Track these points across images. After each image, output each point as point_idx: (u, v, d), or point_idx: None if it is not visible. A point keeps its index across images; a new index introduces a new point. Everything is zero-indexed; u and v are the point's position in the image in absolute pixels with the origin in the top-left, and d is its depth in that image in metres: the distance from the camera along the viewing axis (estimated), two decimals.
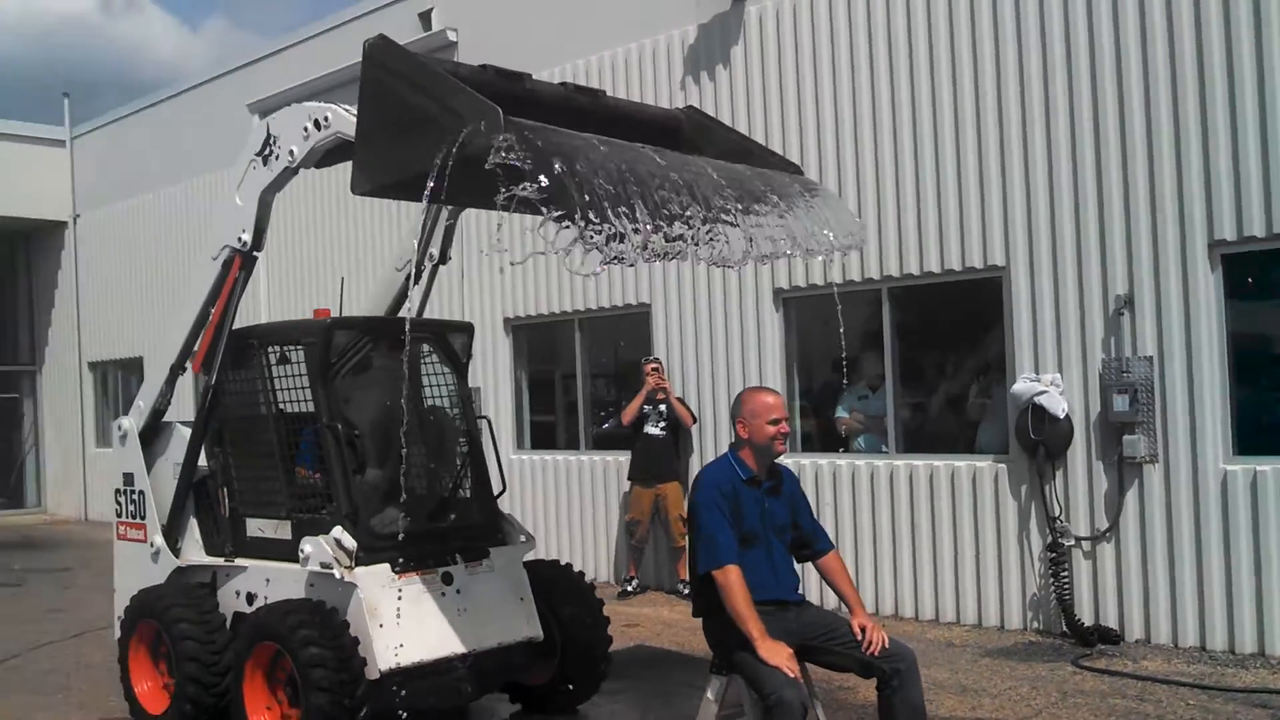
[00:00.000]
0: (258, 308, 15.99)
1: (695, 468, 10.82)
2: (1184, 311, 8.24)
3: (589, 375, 12.43)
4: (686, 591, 10.36)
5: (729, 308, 10.91)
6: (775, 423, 5.18)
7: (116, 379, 20.36)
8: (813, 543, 5.44)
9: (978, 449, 9.48)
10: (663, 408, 10.77)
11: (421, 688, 6.19)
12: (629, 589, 10.91)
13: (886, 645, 5.00)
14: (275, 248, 16.26)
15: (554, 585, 6.99)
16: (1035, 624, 8.82)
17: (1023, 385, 8.77)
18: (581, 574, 7.25)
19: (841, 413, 10.43)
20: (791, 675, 4.65)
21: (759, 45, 10.78)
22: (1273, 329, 8.44)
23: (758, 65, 10.78)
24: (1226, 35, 8.05)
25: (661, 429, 10.78)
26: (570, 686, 6.91)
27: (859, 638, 5.01)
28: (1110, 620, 8.41)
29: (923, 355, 10.20)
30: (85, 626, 9.46)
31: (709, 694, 5.18)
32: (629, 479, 11.04)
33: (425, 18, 14.31)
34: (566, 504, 12.27)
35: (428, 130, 4.89)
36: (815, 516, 5.62)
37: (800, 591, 5.41)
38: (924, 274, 9.63)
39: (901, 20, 9.70)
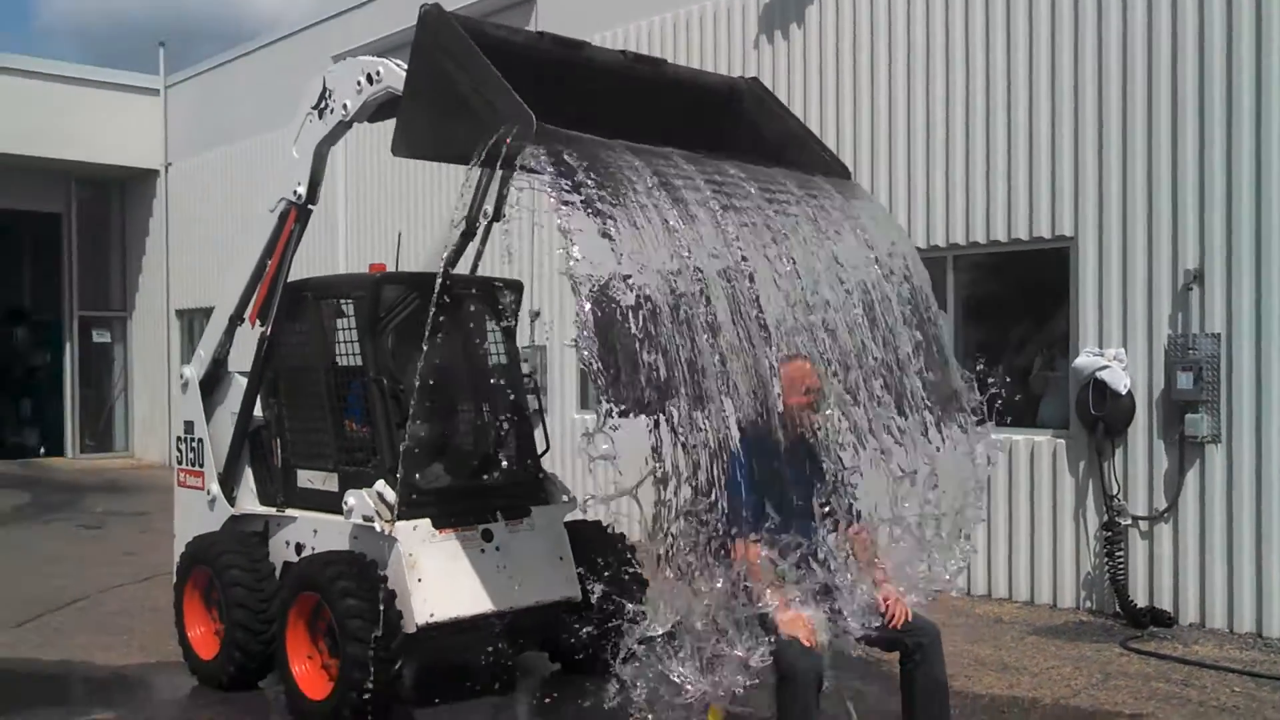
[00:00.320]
0: (335, 260, 16.30)
1: None
2: (1255, 288, 7.99)
3: None
4: None
5: None
6: (809, 392, 5.05)
7: (203, 326, 20.82)
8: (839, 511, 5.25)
9: (1039, 423, 9.32)
10: None
11: (458, 642, 6.32)
12: None
13: (910, 618, 4.96)
14: (354, 201, 16.52)
15: (594, 546, 7.04)
16: (1088, 604, 8.69)
17: (1085, 359, 8.59)
18: (623, 535, 7.29)
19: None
20: (808, 645, 4.60)
21: (835, 8, 10.60)
22: None
23: (832, 29, 10.60)
24: None
25: None
26: (608, 646, 6.96)
27: (882, 610, 4.97)
28: (1164, 603, 8.25)
29: (987, 326, 10.03)
30: (156, 570, 9.79)
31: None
32: None
33: None
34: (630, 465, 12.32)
35: (466, 117, 4.99)
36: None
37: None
38: (990, 243, 9.46)
39: None
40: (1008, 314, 10.03)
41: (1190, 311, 8.26)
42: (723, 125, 6.35)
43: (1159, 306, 8.43)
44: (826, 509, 5.24)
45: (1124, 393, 8.40)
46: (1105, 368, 8.44)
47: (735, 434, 4.70)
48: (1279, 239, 7.88)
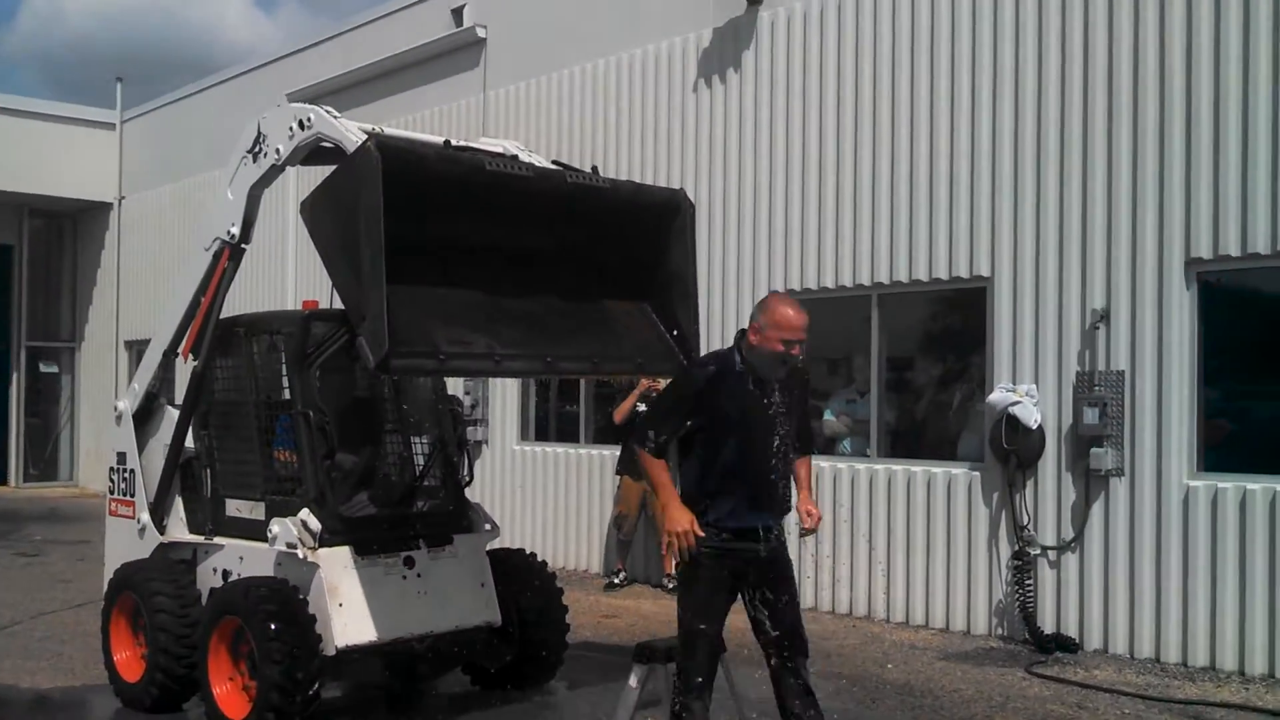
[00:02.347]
0: (285, 296, 16.47)
1: None
2: (1158, 327, 8.36)
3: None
4: (672, 586, 10.62)
5: (726, 310, 11.12)
6: (789, 344, 4.95)
7: None
8: (798, 441, 5.32)
9: (958, 456, 9.64)
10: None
11: (377, 665, 6.51)
12: (616, 581, 11.17)
13: (816, 524, 5.26)
14: (304, 239, 16.69)
15: (516, 572, 7.28)
16: (999, 630, 9.00)
17: (998, 395, 8.92)
18: (544, 563, 7.53)
19: (829, 415, 10.64)
20: (685, 543, 4.90)
21: (769, 51, 10.97)
22: (1243, 349, 8.52)
23: (767, 70, 10.98)
24: (1215, 61, 8.15)
25: None
26: (527, 670, 7.20)
27: (806, 521, 5.23)
28: (1070, 629, 8.56)
29: (909, 362, 10.38)
30: (89, 597, 9.87)
31: (631, 681, 5.44)
32: (617, 472, 11.28)
33: (457, 14, 14.67)
34: (564, 495, 12.56)
35: (354, 273, 5.53)
36: (808, 422, 5.58)
37: (785, 516, 5.25)
38: (912, 282, 9.81)
39: (906, 32, 9.86)
40: (929, 350, 10.39)
41: (1097, 349, 8.63)
42: (654, 240, 6.71)
43: (1068, 344, 8.80)
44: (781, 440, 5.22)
45: (1034, 427, 8.74)
46: (1017, 403, 8.77)
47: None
48: (1179, 281, 8.27)
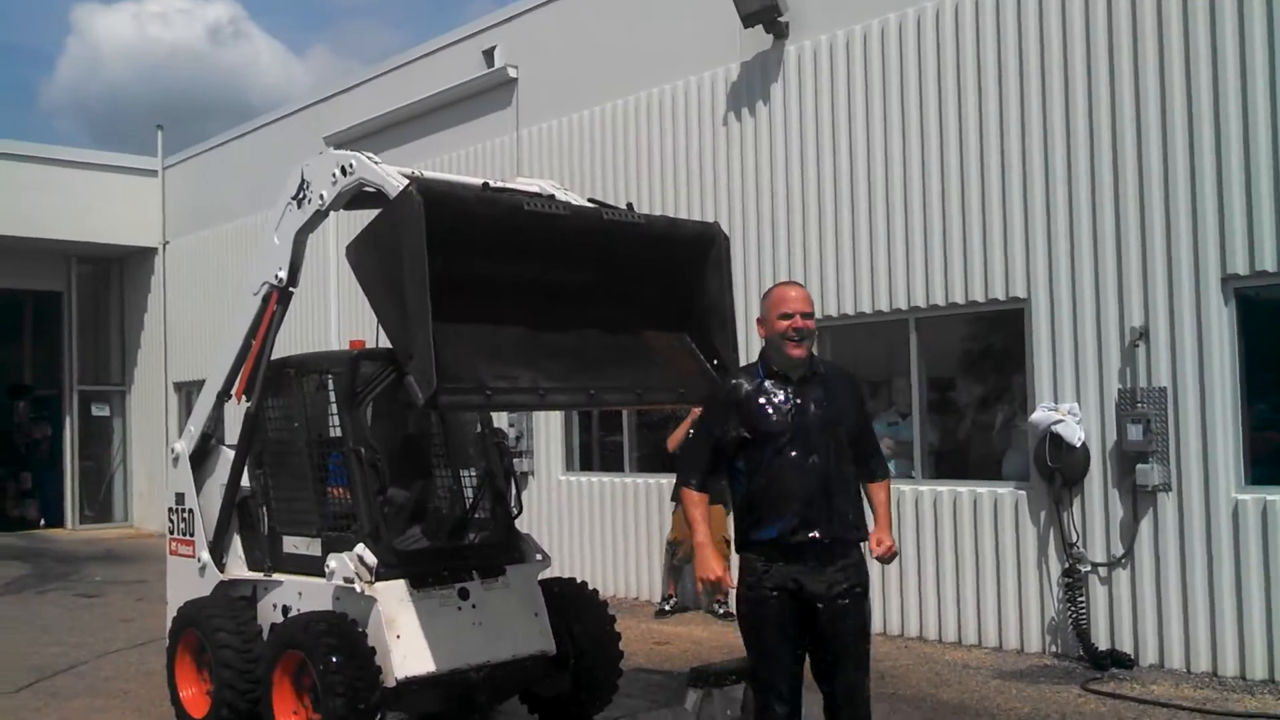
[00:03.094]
0: (328, 337, 16.73)
1: None
2: (1197, 344, 8.38)
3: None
4: (722, 611, 10.68)
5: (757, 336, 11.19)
6: (787, 316, 4.81)
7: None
8: (864, 456, 5.05)
9: (1001, 476, 9.67)
10: None
11: (435, 696, 6.63)
12: (667, 608, 11.23)
13: (887, 554, 4.93)
14: (347, 280, 16.96)
15: (569, 601, 7.37)
16: (1053, 648, 8.99)
17: (1040, 414, 8.95)
18: (596, 591, 7.62)
19: None
20: (713, 591, 4.81)
21: (797, 83, 11.11)
22: None
23: (795, 102, 11.11)
24: (1241, 74, 8.21)
25: None
26: (583, 698, 7.28)
27: (875, 549, 4.92)
28: (1125, 645, 8.55)
29: (949, 384, 10.43)
30: (151, 635, 10.07)
31: (687, 705, 5.52)
32: (673, 498, 11.18)
33: (488, 55, 14.91)
34: (611, 524, 12.66)
35: (398, 311, 5.69)
36: (873, 440, 5.24)
37: (859, 530, 4.93)
38: (949, 305, 9.87)
39: (932, 58, 9.98)
40: (969, 372, 10.43)
41: (1138, 367, 8.65)
42: (690, 272, 6.82)
43: (1109, 363, 8.82)
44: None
45: (1078, 445, 8.76)
46: (1060, 421, 8.80)
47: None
48: (1216, 297, 8.29)
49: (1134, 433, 8.52)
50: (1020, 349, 9.44)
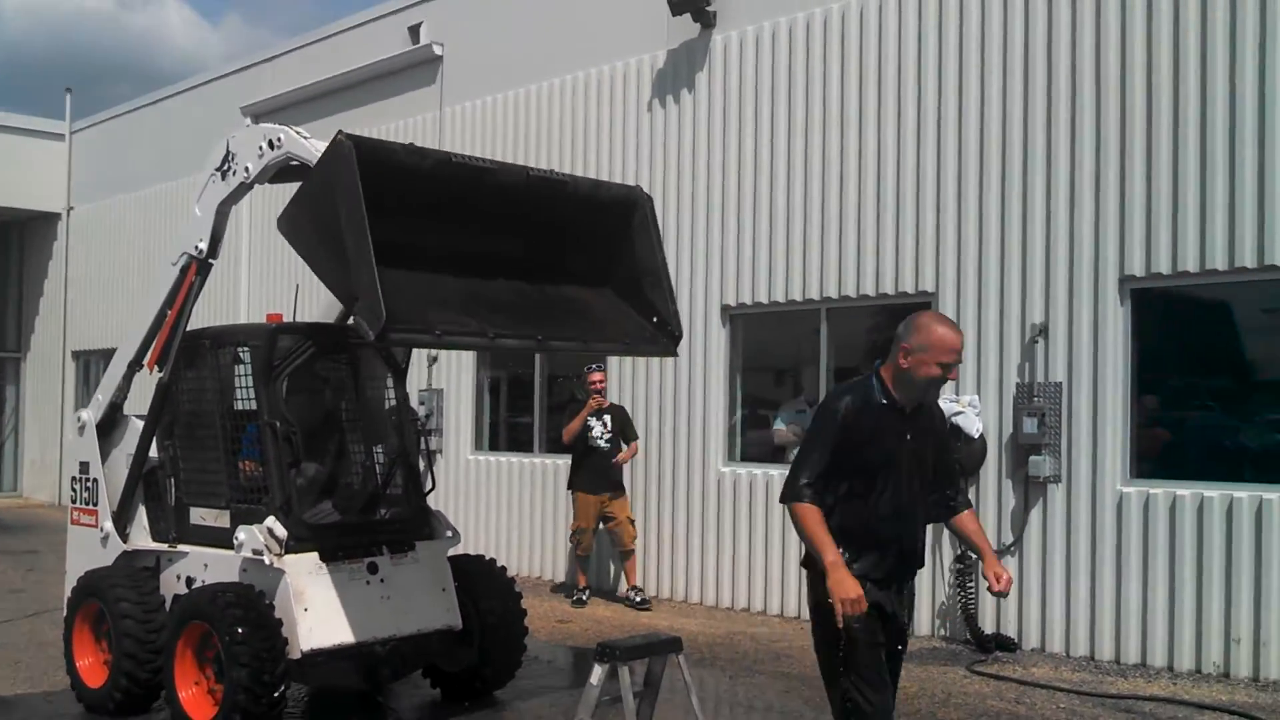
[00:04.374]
0: (237, 310, 16.55)
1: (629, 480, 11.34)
2: (1093, 341, 8.74)
3: (546, 379, 12.91)
4: (638, 599, 10.77)
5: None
6: (947, 367, 4.46)
7: (99, 369, 20.85)
8: (945, 490, 4.76)
9: None
10: (607, 418, 10.96)
11: (341, 668, 6.68)
12: (584, 599, 11.01)
13: (1007, 588, 4.63)
14: (258, 253, 16.80)
15: (476, 578, 7.46)
16: (942, 631, 9.32)
17: (942, 405, 9.22)
18: (504, 568, 7.72)
19: (779, 425, 10.94)
20: (855, 611, 4.24)
21: (722, 72, 11.28)
22: (1173, 361, 8.92)
23: (720, 91, 11.28)
24: (1148, 86, 8.56)
25: (607, 441, 10.91)
26: (487, 674, 7.38)
27: (993, 584, 4.58)
28: (1010, 630, 8.90)
29: (857, 373, 10.66)
30: (43, 606, 9.93)
31: (592, 680, 5.64)
32: (571, 488, 11.19)
33: (414, 31, 14.81)
34: (519, 504, 12.75)
35: (337, 262, 5.62)
36: (955, 467, 5.04)
37: (922, 560, 4.74)
38: (860, 296, 10.13)
39: (855, 54, 10.22)
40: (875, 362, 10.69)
41: (1036, 362, 8.99)
42: (613, 235, 6.90)
43: (1009, 357, 9.15)
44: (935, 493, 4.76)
45: (976, 436, 9.07)
46: (960, 413, 9.10)
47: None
48: (1113, 297, 8.65)
49: (1029, 425, 8.86)
50: None
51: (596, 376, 10.97)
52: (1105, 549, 8.53)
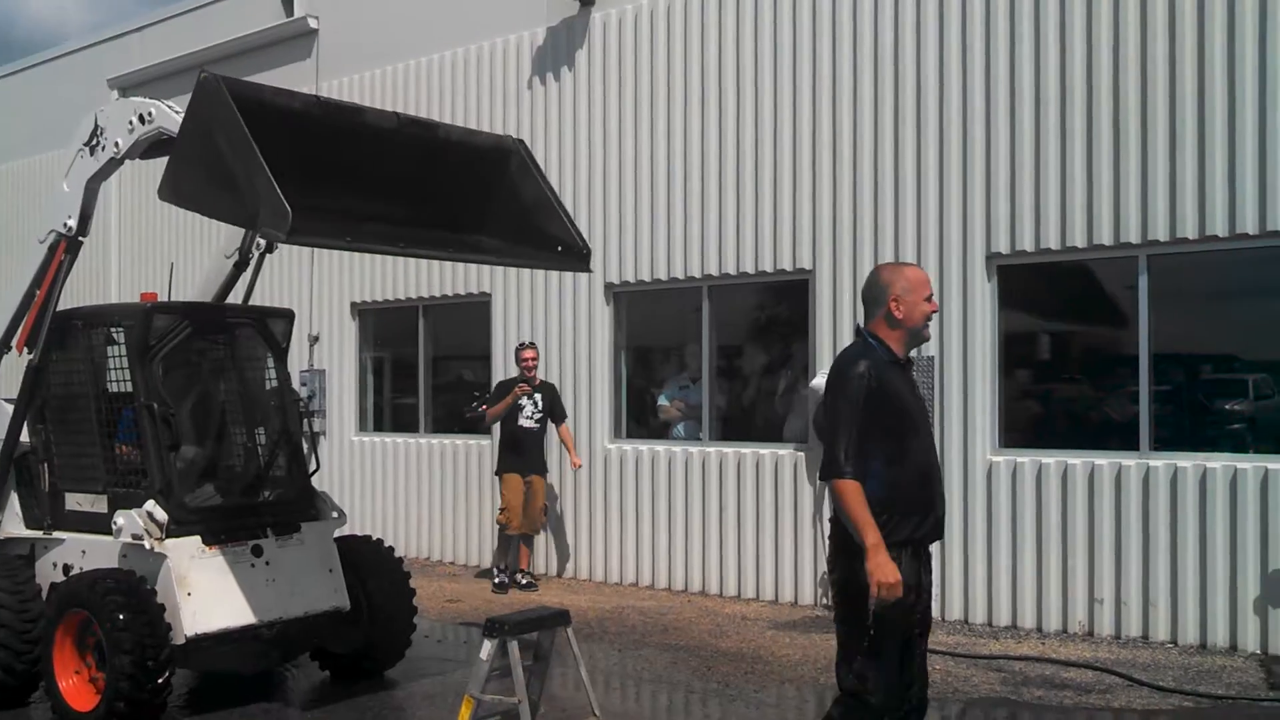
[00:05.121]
0: (108, 289, 16.08)
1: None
2: (963, 317, 9.06)
3: (431, 360, 12.86)
4: (524, 581, 10.60)
5: (564, 299, 11.45)
6: (930, 299, 4.52)
7: None
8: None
9: (784, 438, 10.21)
10: (537, 397, 10.63)
11: (227, 652, 6.62)
12: (517, 580, 10.67)
13: None
14: (128, 231, 16.33)
15: (364, 559, 7.45)
16: (824, 600, 9.60)
17: (819, 380, 9.47)
18: (391, 548, 7.72)
19: (663, 401, 11.09)
20: (890, 596, 4.15)
21: (601, 50, 11.32)
22: (1038, 335, 9.31)
23: (599, 70, 11.33)
24: (1011, 78, 8.89)
25: (536, 421, 10.63)
26: (376, 654, 7.38)
27: None
28: None
29: (738, 350, 10.91)
30: None
31: (482, 654, 5.72)
32: (499, 472, 10.74)
33: (288, 3, 14.50)
34: (405, 484, 12.70)
35: (231, 192, 5.47)
36: None
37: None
38: (740, 274, 10.32)
39: (731, 35, 10.36)
40: (757, 339, 10.93)
41: None
42: (490, 182, 6.87)
43: None
44: None
45: None
46: None
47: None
48: (981, 275, 8.98)
49: None
50: (804, 318, 9.97)
51: (529, 354, 10.66)
52: (977, 517, 8.88)
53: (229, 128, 5.44)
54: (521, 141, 7.19)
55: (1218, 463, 8.04)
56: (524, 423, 10.63)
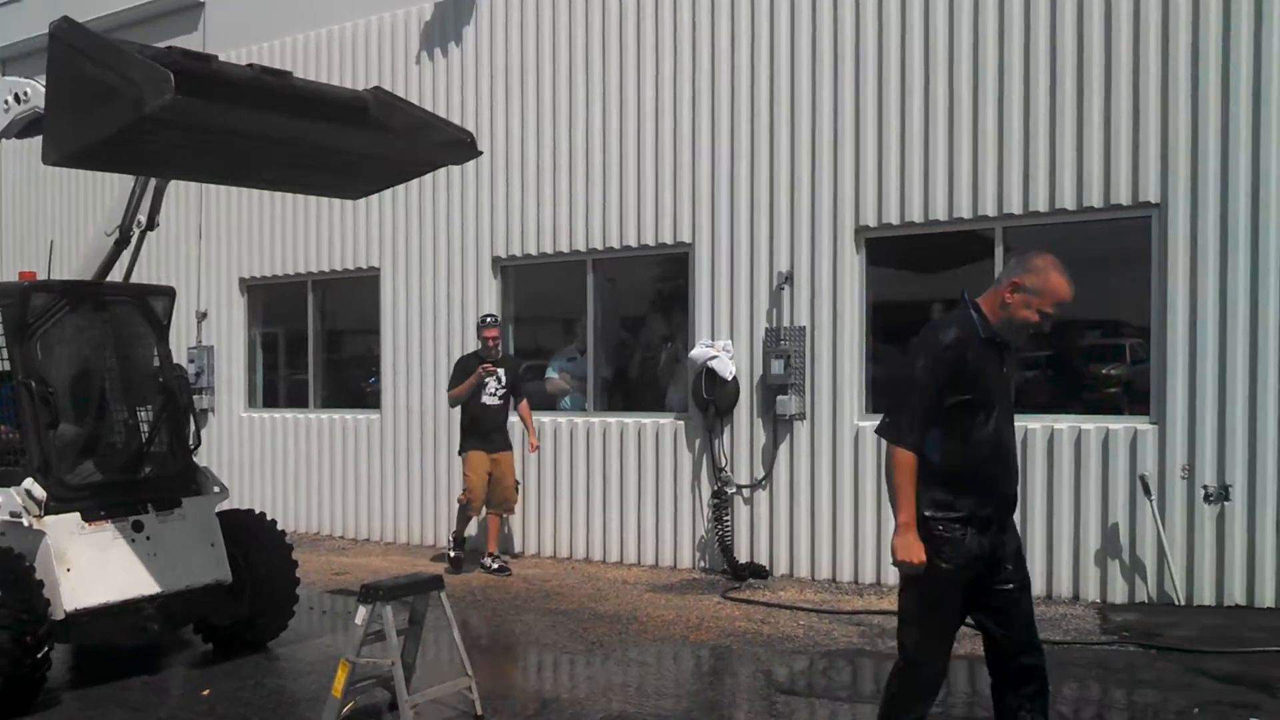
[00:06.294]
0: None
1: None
2: (833, 288, 9.45)
3: (323, 335, 12.94)
4: (495, 566, 10.13)
5: (451, 274, 11.61)
6: (1046, 317, 4.34)
7: None
8: None
9: (665, 408, 10.54)
10: (500, 373, 10.32)
11: (108, 626, 6.75)
12: (462, 555, 10.36)
13: None
14: (7, 210, 16.03)
15: (246, 532, 7.59)
16: (702, 563, 9.98)
17: (698, 350, 9.83)
18: (274, 521, 7.87)
19: (551, 373, 11.34)
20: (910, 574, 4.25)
21: (489, 25, 11.46)
22: (902, 304, 9.74)
23: (487, 44, 11.47)
24: (880, 49, 9.26)
25: (499, 397, 10.33)
26: (259, 625, 7.54)
27: None
28: (762, 558, 9.63)
29: (622, 322, 11.20)
30: None
31: (357, 619, 5.92)
32: (463, 451, 10.38)
33: None
34: (294, 460, 12.78)
35: (109, 99, 5.40)
36: None
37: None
38: (624, 248, 10.59)
39: (615, 11, 10.57)
40: (640, 311, 11.23)
41: (783, 308, 9.65)
42: (361, 125, 6.80)
43: (759, 303, 9.80)
44: None
45: (730, 379, 9.70)
46: (715, 357, 9.70)
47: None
48: (850, 247, 9.37)
49: (777, 367, 9.53)
50: (685, 290, 10.29)
51: (492, 332, 10.35)
52: (844, 479, 9.31)
53: (90, 46, 5.43)
54: (378, 87, 7.16)
55: (1064, 424, 8.55)
56: (486, 400, 10.26)
